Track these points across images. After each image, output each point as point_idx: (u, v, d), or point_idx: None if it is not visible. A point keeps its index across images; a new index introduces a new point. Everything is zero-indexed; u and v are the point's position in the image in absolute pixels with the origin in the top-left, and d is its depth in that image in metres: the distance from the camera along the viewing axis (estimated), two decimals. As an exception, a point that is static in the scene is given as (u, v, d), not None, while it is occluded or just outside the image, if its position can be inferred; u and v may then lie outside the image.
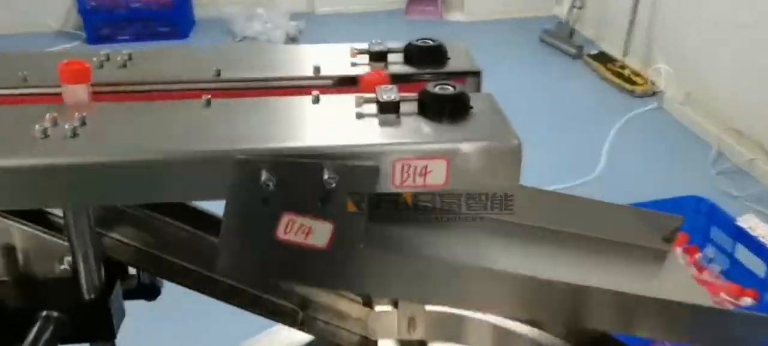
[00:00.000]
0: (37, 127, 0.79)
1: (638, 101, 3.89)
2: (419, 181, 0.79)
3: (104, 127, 0.83)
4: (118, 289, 0.93)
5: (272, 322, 1.03)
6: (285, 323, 0.99)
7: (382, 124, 0.83)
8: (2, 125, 0.83)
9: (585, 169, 3.22)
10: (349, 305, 1.03)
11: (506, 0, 5.21)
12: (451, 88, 0.86)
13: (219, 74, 0.97)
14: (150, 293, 1.07)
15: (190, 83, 0.96)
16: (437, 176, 0.80)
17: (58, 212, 0.92)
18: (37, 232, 0.91)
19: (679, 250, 2.12)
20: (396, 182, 0.79)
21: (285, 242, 0.81)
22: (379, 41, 1.03)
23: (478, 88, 1.04)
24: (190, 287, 0.95)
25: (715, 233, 2.44)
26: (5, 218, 0.89)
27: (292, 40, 4.83)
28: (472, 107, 0.86)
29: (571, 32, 4.63)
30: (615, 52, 4.36)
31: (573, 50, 4.50)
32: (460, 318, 1.10)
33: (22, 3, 5.01)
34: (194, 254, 0.95)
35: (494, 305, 0.93)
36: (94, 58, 0.99)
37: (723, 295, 2.14)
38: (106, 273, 0.92)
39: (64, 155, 0.77)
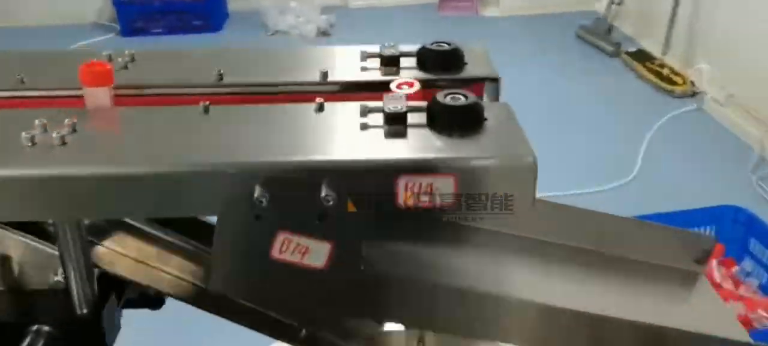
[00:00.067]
0: (24, 134, 0.75)
1: (677, 102, 3.77)
2: (425, 199, 0.74)
3: (94, 135, 0.79)
4: (112, 302, 0.90)
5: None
6: (286, 341, 0.94)
7: (388, 136, 0.78)
8: None
9: (620, 172, 3.12)
10: (356, 323, 0.98)
11: (543, -6, 5.11)
12: (463, 98, 0.80)
13: (221, 78, 0.92)
14: (154, 302, 1.03)
15: (190, 88, 0.91)
16: (444, 194, 0.74)
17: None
18: (29, 241, 0.87)
19: (714, 262, 2.03)
20: (400, 200, 0.74)
21: (280, 261, 0.76)
22: (391, 44, 0.97)
23: (497, 95, 0.97)
24: (185, 301, 0.91)
25: (754, 245, 2.33)
26: (-2, 225, 0.86)
27: (323, 34, 4.79)
28: (486, 119, 0.80)
29: (609, 29, 4.51)
30: (654, 50, 4.23)
31: (610, 48, 4.38)
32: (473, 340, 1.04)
33: (60, -7, 5.06)
34: (191, 267, 0.91)
35: (506, 335, 0.86)
36: (94, 59, 0.95)
37: (761, 311, 2.04)
38: (101, 286, 0.88)
39: (48, 166, 0.73)
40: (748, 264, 2.32)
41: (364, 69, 0.95)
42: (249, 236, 0.74)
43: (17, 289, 0.87)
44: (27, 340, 0.84)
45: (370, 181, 0.72)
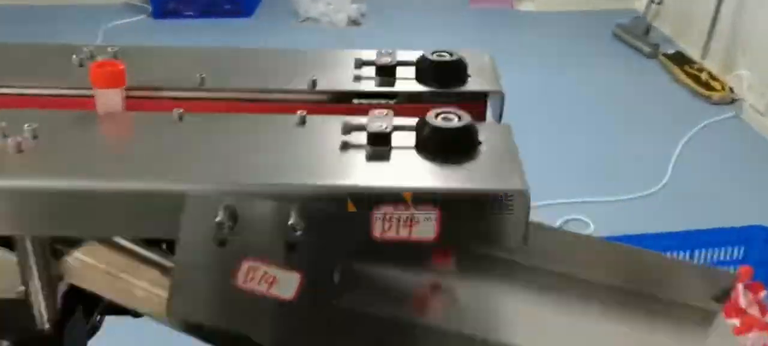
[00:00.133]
0: (-22, 138, 0.70)
1: (714, 109, 3.62)
2: (403, 233, 0.67)
3: (54, 142, 0.73)
4: (78, 318, 0.84)
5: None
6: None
7: (369, 159, 0.71)
8: None
9: (649, 180, 3.00)
10: None
11: (581, -10, 4.96)
12: (455, 119, 0.72)
13: (203, 83, 0.86)
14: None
15: (168, 91, 0.85)
16: (425, 228, 0.67)
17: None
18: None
19: (740, 286, 1.92)
20: (376, 231, 0.67)
21: (246, 290, 0.69)
22: (389, 52, 0.90)
23: (501, 111, 0.90)
24: (157, 320, 0.85)
25: (787, 269, 2.21)
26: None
27: (353, 23, 4.72)
28: (480, 143, 0.73)
29: (648, 29, 4.36)
30: (693, 53, 4.08)
31: (648, 49, 4.23)
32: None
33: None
34: (166, 282, 0.85)
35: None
36: (74, 56, 0.90)
37: (789, 339, 1.93)
38: (69, 298, 0.83)
39: (-3, 176, 0.67)
40: (778, 289, 2.20)
41: (357, 78, 0.88)
42: (211, 263, 0.68)
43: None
44: (-16, 354, 0.80)
45: (343, 209, 0.66)
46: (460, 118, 0.72)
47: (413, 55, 0.90)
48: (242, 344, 0.85)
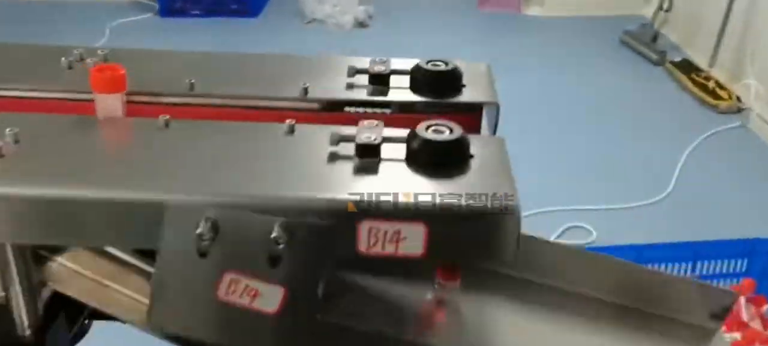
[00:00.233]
0: (-40, 141, 0.69)
1: (721, 118, 3.58)
2: (390, 248, 0.65)
3: (36, 147, 0.71)
4: (60, 323, 0.83)
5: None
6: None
7: (357, 171, 0.69)
8: None
9: (653, 189, 2.97)
10: None
11: (589, -4, 4.93)
12: (447, 132, 0.70)
13: (192, 88, 0.84)
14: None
15: (158, 97, 0.83)
16: (413, 243, 0.65)
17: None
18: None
19: (742, 299, 1.89)
20: (362, 246, 0.65)
21: (228, 303, 0.67)
22: (383, 60, 0.89)
23: (496, 121, 0.88)
24: (139, 328, 0.83)
25: (790, 283, 2.18)
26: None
27: (360, 25, 4.70)
28: (472, 156, 0.71)
29: (655, 36, 4.32)
30: (701, 61, 4.04)
31: (655, 56, 4.20)
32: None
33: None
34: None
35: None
36: (63, 58, 0.88)
37: (792, 354, 1.90)
38: (52, 304, 0.82)
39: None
40: (781, 302, 2.17)
41: (349, 86, 0.86)
42: (192, 275, 0.66)
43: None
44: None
45: (328, 223, 0.64)
46: (451, 130, 0.70)
47: (408, 64, 0.88)
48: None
